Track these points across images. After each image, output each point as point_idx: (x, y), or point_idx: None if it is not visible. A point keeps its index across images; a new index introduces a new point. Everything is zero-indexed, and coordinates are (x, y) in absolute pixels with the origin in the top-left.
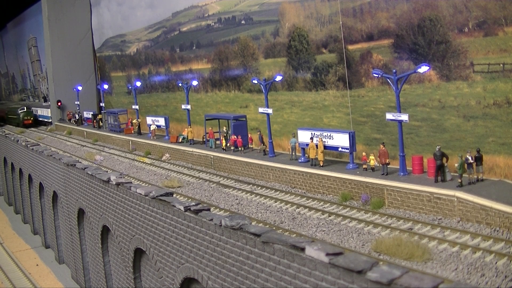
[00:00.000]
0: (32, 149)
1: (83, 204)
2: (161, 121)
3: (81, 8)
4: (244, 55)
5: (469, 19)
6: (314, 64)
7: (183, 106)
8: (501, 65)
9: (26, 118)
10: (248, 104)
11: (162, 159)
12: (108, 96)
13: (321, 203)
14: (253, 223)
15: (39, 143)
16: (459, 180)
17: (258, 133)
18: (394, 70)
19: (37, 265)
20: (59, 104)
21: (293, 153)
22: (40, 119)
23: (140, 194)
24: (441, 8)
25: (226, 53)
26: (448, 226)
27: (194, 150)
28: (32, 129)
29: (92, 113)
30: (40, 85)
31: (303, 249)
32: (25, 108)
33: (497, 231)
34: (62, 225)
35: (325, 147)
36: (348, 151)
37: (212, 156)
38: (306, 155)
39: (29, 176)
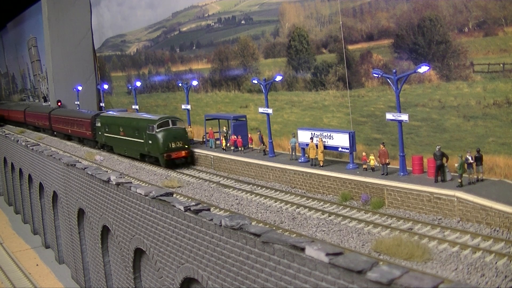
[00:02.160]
0: (32, 149)
1: (83, 204)
2: None
3: (81, 8)
4: (244, 55)
5: (469, 19)
6: (314, 64)
7: (183, 106)
8: (501, 65)
9: (175, 145)
10: (248, 104)
11: None
12: (108, 96)
13: (321, 203)
14: (253, 223)
15: (39, 143)
16: (459, 180)
17: (258, 133)
18: (394, 70)
19: (37, 265)
20: (59, 104)
21: (293, 153)
22: None
23: (140, 194)
24: (441, 8)
25: (226, 53)
26: (448, 226)
27: (194, 150)
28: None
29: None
30: (40, 85)
31: (303, 249)
32: (169, 121)
33: (497, 231)
34: (62, 225)
35: (325, 147)
36: (348, 151)
37: (212, 156)
38: (306, 155)
39: (29, 176)
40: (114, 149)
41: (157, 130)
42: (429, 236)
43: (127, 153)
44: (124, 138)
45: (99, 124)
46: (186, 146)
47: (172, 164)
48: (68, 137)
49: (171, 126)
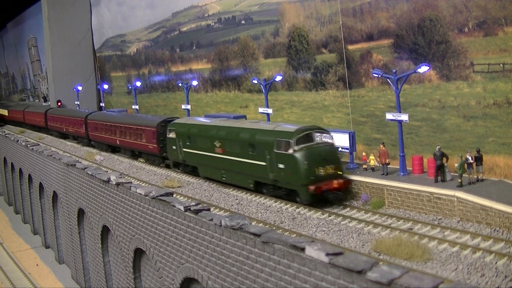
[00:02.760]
0: (32, 149)
1: (83, 204)
2: None
3: (81, 8)
4: (244, 55)
5: (469, 19)
6: (314, 64)
7: (183, 106)
8: (501, 65)
9: (324, 171)
10: (248, 104)
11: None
12: (108, 96)
13: (321, 203)
14: (253, 223)
15: (39, 143)
16: (459, 180)
17: None
18: (394, 70)
19: (37, 265)
20: (59, 104)
21: None
22: None
23: (140, 194)
24: (441, 8)
25: (226, 53)
26: (448, 226)
27: None
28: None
29: None
30: (40, 85)
31: (303, 249)
32: (313, 133)
33: (497, 231)
34: (62, 225)
35: None
36: (348, 151)
37: None
38: None
39: (29, 176)
40: (200, 172)
41: (296, 148)
42: (429, 236)
43: (227, 179)
44: (224, 157)
45: (172, 135)
46: (340, 173)
47: (319, 199)
48: (113, 149)
49: (315, 141)
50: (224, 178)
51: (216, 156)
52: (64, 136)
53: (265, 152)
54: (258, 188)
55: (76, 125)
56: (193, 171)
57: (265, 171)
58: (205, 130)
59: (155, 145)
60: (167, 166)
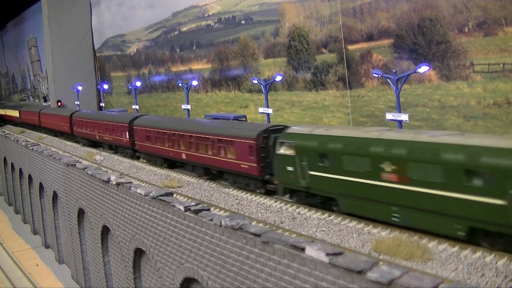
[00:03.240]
0: (32, 149)
1: (83, 204)
2: None
3: (81, 8)
4: (244, 55)
5: (469, 19)
6: (314, 64)
7: (183, 106)
8: (501, 65)
9: None
10: (248, 104)
11: None
12: (108, 96)
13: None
14: (253, 223)
15: (39, 143)
16: None
17: None
18: (394, 70)
19: (37, 265)
20: (59, 104)
21: None
22: None
23: (140, 194)
24: (441, 8)
25: (226, 53)
26: None
27: None
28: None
29: None
30: (40, 85)
31: (303, 249)
32: None
33: None
34: (62, 225)
35: None
36: None
37: None
38: None
39: (29, 176)
40: (342, 206)
41: None
42: (429, 236)
43: (404, 220)
44: (402, 187)
45: (287, 151)
46: None
47: None
48: (170, 164)
49: None
50: (396, 219)
51: (382, 186)
52: (94, 144)
53: (505, 185)
54: (474, 236)
55: (116, 132)
56: (323, 204)
57: (502, 213)
58: (361, 146)
59: (254, 164)
60: (269, 193)
